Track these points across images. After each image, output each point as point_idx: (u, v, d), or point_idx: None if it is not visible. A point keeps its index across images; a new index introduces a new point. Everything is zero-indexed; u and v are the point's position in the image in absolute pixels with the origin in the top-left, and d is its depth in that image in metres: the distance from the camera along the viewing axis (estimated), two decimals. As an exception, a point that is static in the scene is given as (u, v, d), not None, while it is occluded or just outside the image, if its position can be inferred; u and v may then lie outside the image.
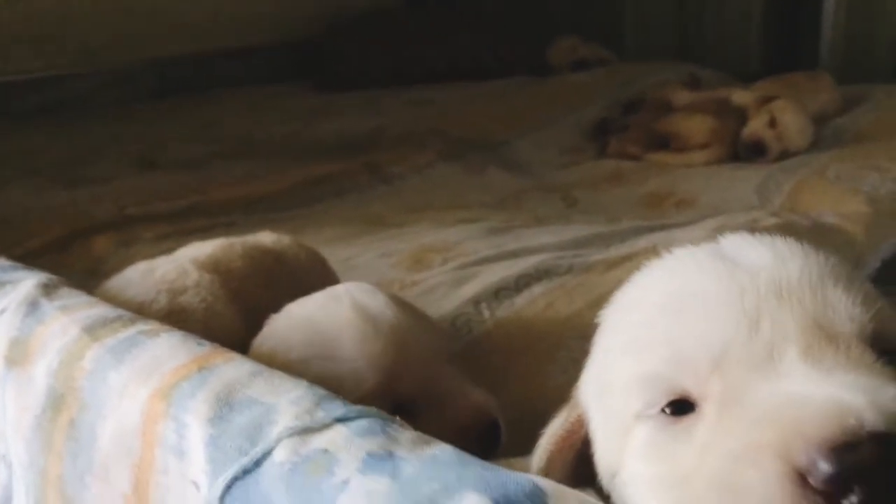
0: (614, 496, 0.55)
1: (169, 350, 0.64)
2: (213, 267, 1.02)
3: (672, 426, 0.49)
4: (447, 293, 1.41)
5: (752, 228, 1.67)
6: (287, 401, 0.55)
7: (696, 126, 2.34)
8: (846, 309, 0.47)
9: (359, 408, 0.54)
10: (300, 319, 0.83)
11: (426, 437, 0.52)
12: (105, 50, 2.82)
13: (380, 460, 0.49)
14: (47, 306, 0.74)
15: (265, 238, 1.19)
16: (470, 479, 0.47)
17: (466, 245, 1.62)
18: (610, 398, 0.54)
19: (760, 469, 0.41)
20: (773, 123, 2.24)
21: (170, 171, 2.16)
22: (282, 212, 1.90)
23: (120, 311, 0.72)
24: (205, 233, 1.76)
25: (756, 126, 2.25)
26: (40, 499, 0.68)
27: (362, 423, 0.53)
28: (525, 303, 1.33)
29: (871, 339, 0.47)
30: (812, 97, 2.54)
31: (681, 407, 0.49)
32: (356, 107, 2.83)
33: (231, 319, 0.94)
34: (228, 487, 0.53)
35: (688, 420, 0.48)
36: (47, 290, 0.77)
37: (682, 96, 2.54)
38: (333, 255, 1.61)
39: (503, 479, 0.46)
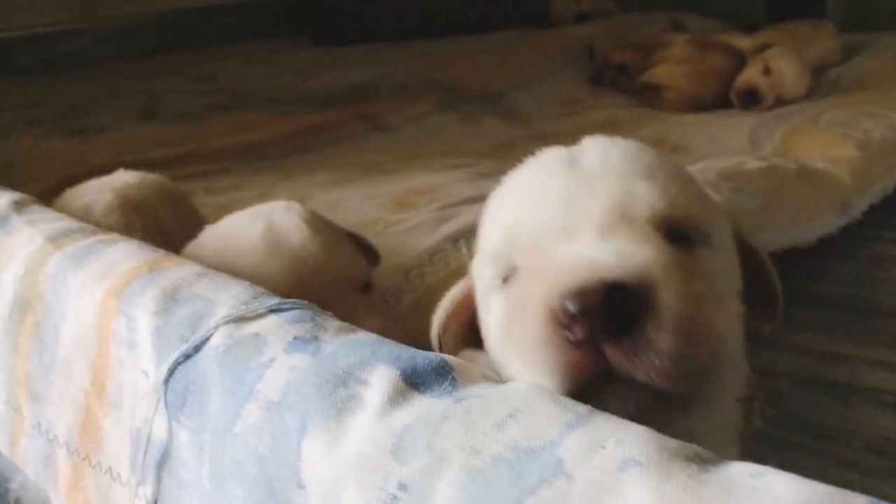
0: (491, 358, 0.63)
1: (124, 255, 0.68)
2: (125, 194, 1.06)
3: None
4: (428, 231, 1.44)
5: (734, 171, 1.70)
6: (227, 296, 0.59)
7: (672, 52, 2.34)
8: (644, 197, 0.55)
9: (293, 301, 0.57)
10: (219, 233, 0.86)
11: (349, 327, 0.55)
12: (106, 5, 2.85)
13: (305, 343, 0.53)
14: (16, 220, 0.79)
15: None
16: (383, 355, 0.51)
17: (451, 188, 1.65)
18: (478, 273, 0.63)
19: (530, 312, 0.51)
20: (767, 71, 2.23)
21: (167, 122, 2.19)
22: (274, 159, 1.93)
23: (82, 224, 0.76)
24: (199, 178, 1.80)
25: (750, 73, 2.24)
26: (10, 396, 0.73)
27: (294, 313, 0.56)
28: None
29: (663, 222, 0.55)
30: (811, 45, 2.52)
31: None
32: (354, 60, 2.84)
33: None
34: (171, 372, 0.57)
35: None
36: (18, 206, 0.82)
37: (677, 37, 2.53)
38: (321, 197, 1.64)
39: (412, 354, 0.50)
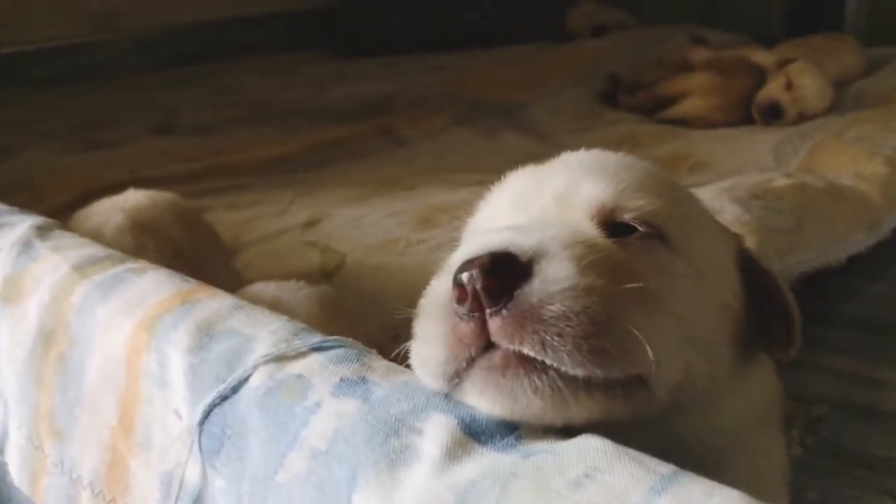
0: None
1: (154, 285, 0.65)
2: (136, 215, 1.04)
3: None
4: (452, 251, 1.40)
5: (764, 189, 1.67)
6: (266, 331, 0.55)
7: (697, 82, 2.31)
8: (588, 190, 0.56)
9: (336, 338, 0.54)
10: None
11: (397, 367, 0.52)
12: (122, 18, 2.83)
13: (352, 385, 0.50)
14: (40, 246, 0.75)
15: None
16: (438, 402, 0.47)
17: (475, 205, 1.62)
18: None
19: (442, 283, 0.51)
20: (789, 86, 2.20)
21: (185, 136, 2.17)
22: (293, 174, 1.90)
23: (110, 251, 0.73)
24: (218, 194, 1.78)
25: (772, 88, 2.21)
26: (32, 432, 0.69)
27: (338, 352, 0.53)
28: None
29: (603, 212, 0.55)
30: (834, 60, 2.48)
31: None
32: (373, 73, 2.82)
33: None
34: (207, 414, 0.54)
35: None
36: (41, 231, 0.78)
37: (700, 53, 2.50)
38: (340, 214, 1.61)
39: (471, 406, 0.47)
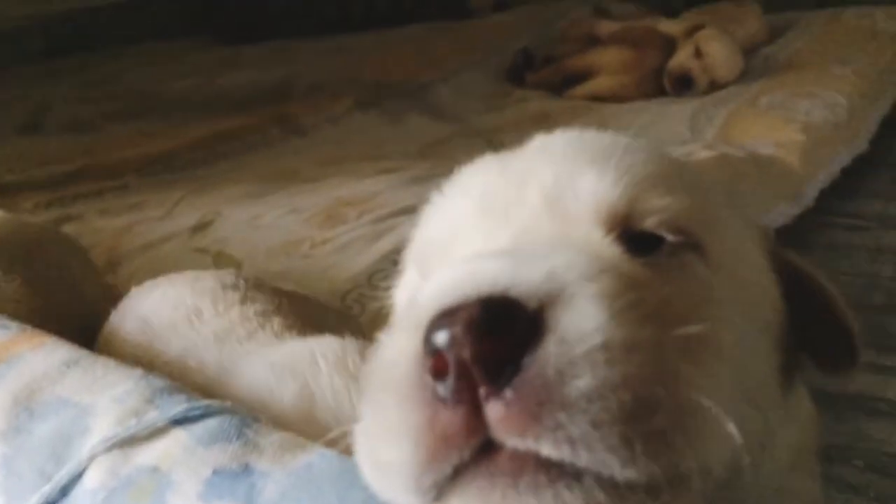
0: None
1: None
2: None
3: None
4: (363, 249, 1.27)
5: (686, 163, 1.59)
6: (109, 399, 0.40)
7: (609, 58, 2.24)
8: (589, 189, 0.40)
9: (206, 403, 0.39)
10: None
11: (297, 439, 0.38)
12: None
13: (232, 479, 0.35)
14: None
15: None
16: (354, 500, 0.34)
17: (385, 196, 1.48)
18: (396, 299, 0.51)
19: (401, 342, 0.34)
20: (699, 54, 2.14)
21: (56, 135, 1.97)
22: (179, 172, 1.73)
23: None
24: (94, 198, 1.58)
25: (682, 57, 2.15)
26: None
27: (210, 425, 0.38)
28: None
29: (616, 218, 0.39)
30: (740, 26, 2.46)
31: None
32: (262, 58, 2.65)
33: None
34: (33, 521, 0.39)
35: None
36: None
37: (607, 26, 2.42)
38: (235, 214, 1.45)
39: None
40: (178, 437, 0.38)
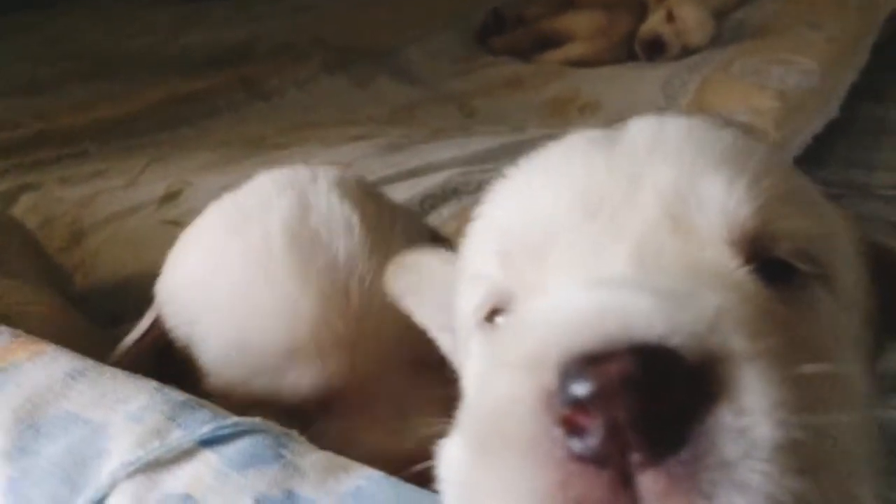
0: None
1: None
2: None
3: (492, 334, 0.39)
4: (340, 221, 1.22)
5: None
6: (125, 415, 0.36)
7: (582, 23, 2.20)
8: (717, 200, 0.35)
9: (233, 420, 0.35)
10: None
11: (338, 459, 0.34)
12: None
13: None
14: None
15: None
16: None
17: (360, 165, 1.44)
18: (460, 300, 0.44)
19: (508, 386, 0.29)
20: (670, 18, 2.12)
21: (8, 97, 1.86)
22: (142, 136, 1.66)
23: None
24: (51, 166, 1.51)
25: (654, 22, 2.12)
26: None
27: (241, 446, 0.34)
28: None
29: (746, 238, 0.35)
30: (712, -10, 2.43)
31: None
32: (223, 17, 2.56)
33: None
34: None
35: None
36: None
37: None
38: (202, 183, 1.39)
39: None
40: (209, 460, 0.34)
